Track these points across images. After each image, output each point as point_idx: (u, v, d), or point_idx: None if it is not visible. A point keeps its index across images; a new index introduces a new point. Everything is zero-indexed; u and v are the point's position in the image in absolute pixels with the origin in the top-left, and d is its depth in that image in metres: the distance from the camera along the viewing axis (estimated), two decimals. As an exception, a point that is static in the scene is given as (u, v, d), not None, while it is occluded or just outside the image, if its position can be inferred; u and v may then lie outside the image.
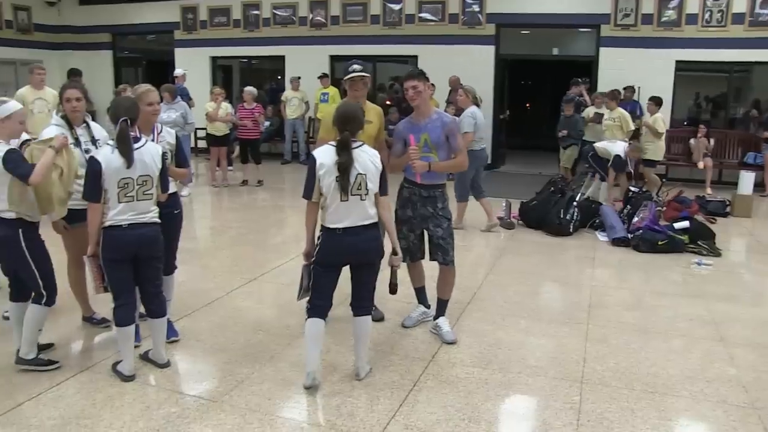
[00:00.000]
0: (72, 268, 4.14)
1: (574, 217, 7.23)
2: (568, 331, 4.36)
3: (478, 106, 7.12)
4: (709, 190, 9.52)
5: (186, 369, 3.74)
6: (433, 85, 4.44)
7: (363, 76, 3.99)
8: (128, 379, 3.46)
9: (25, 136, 3.72)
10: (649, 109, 9.21)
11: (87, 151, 3.77)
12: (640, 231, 6.62)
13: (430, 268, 4.30)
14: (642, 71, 10.53)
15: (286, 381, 3.53)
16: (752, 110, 11.21)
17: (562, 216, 7.16)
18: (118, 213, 3.31)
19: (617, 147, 8.27)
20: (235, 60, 14.32)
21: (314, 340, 3.41)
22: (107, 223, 3.32)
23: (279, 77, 13.66)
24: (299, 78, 12.29)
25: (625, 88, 10.24)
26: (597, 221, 7.33)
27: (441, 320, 4.19)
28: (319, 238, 3.39)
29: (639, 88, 10.41)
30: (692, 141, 10.30)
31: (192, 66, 12.62)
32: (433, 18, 11.91)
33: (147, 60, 15.50)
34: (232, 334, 4.18)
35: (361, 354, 3.58)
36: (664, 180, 9.14)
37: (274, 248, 6.73)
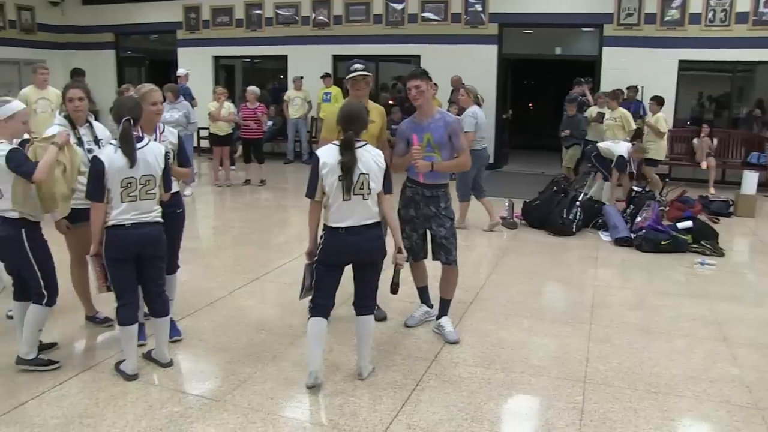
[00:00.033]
0: (75, 268, 4.14)
1: (577, 217, 7.22)
2: (570, 330, 4.35)
3: (479, 105, 7.12)
4: (712, 190, 9.50)
5: (189, 368, 3.75)
6: (435, 84, 4.44)
7: (365, 75, 4.00)
8: (131, 378, 3.47)
9: (26, 135, 3.72)
10: (651, 109, 9.18)
11: (90, 150, 3.77)
12: (643, 231, 6.61)
13: (433, 268, 4.30)
14: (645, 71, 10.51)
15: (288, 380, 3.52)
16: (755, 110, 11.18)
17: (565, 216, 7.16)
18: (121, 212, 3.31)
19: (621, 147, 8.24)
20: (238, 59, 14.32)
21: (317, 340, 3.41)
22: (110, 223, 3.33)
23: (282, 77, 13.69)
24: (302, 77, 12.30)
25: (628, 88, 10.23)
26: (600, 221, 7.32)
27: (444, 320, 4.19)
28: (321, 237, 3.39)
29: (642, 87, 10.39)
30: (695, 141, 10.27)
31: (195, 66, 12.68)
32: (436, 17, 11.90)
33: (150, 60, 15.54)
34: (234, 334, 4.18)
35: (364, 353, 3.58)
36: (666, 180, 9.13)
37: (276, 248, 6.74)
